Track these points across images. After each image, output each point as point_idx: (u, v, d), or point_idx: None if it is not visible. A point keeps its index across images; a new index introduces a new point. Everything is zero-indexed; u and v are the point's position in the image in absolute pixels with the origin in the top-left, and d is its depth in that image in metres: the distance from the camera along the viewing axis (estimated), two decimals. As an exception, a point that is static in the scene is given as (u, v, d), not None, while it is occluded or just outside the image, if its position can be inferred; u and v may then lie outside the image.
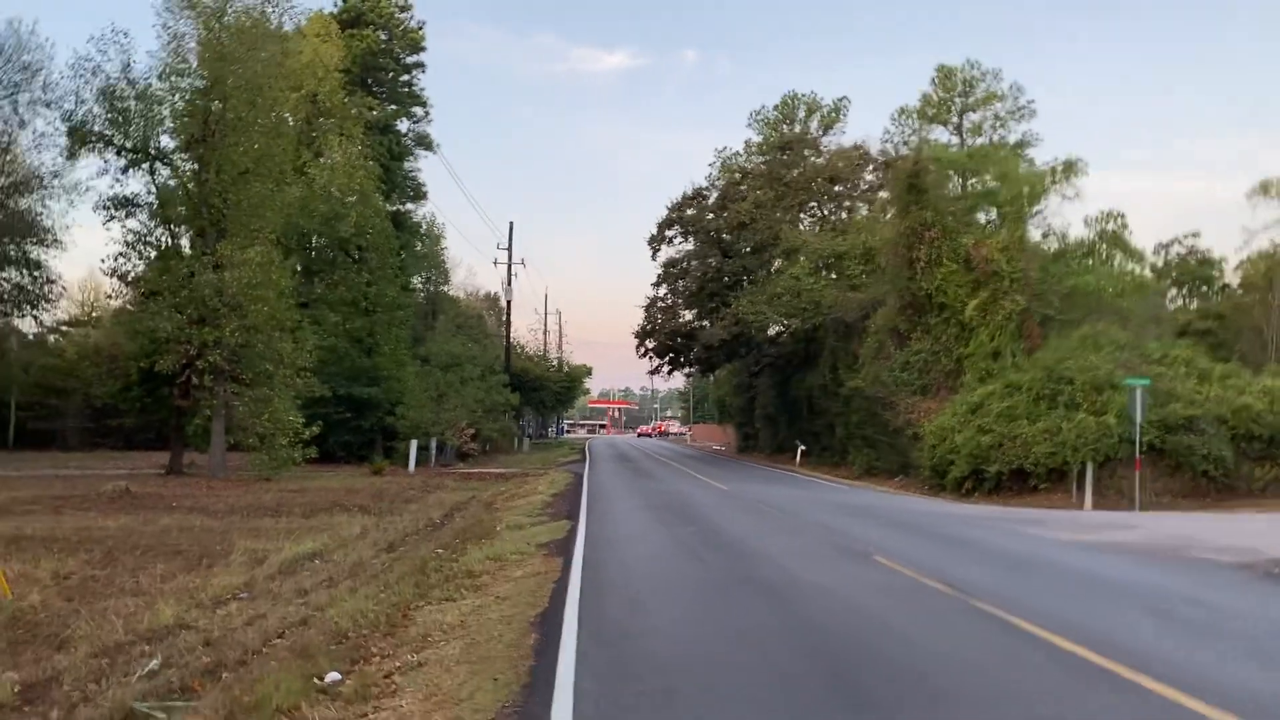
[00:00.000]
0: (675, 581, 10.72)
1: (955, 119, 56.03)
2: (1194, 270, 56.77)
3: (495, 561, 12.12)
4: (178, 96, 30.74)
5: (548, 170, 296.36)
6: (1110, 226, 33.66)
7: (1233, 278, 49.02)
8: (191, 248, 31.82)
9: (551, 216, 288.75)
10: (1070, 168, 34.35)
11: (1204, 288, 57.48)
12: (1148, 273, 33.48)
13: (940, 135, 50.26)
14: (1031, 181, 33.11)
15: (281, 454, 29.22)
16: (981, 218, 34.48)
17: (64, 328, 56.04)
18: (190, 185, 30.67)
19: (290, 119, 40.81)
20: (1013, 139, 48.93)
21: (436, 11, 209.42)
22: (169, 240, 32.10)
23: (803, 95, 56.30)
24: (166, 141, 31.60)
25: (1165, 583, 11.13)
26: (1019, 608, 8.80)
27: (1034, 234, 34.16)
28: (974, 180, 38.54)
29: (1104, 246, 33.48)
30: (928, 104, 56.29)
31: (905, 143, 52.65)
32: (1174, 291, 60.32)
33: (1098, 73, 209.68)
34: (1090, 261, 33.52)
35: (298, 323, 31.99)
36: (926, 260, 32.71)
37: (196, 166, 30.55)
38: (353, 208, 39.30)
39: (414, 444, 35.21)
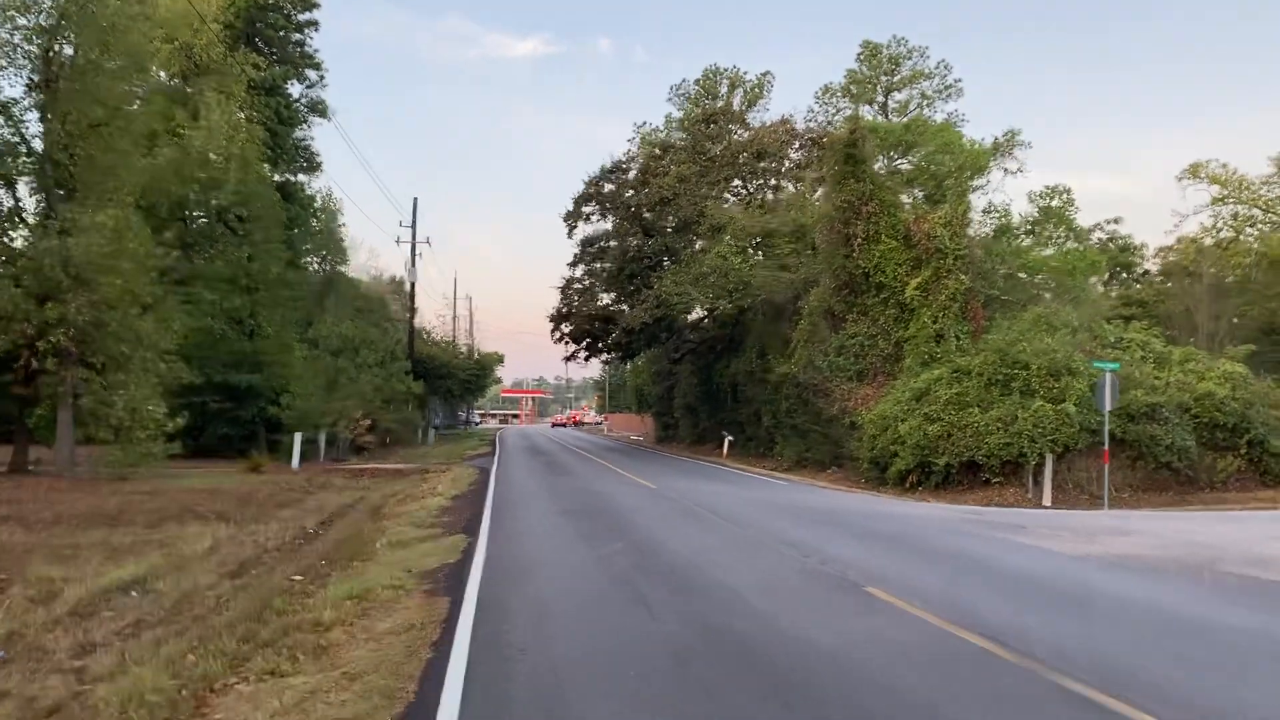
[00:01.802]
0: (610, 646, 7.39)
1: (881, 98, 54.25)
2: (1116, 257, 56.00)
3: (358, 603, 8.95)
4: (18, 36, 26.38)
5: (460, 158, 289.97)
6: (1055, 202, 31.70)
7: (1153, 264, 48.08)
8: (36, 212, 27.54)
9: (465, 205, 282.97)
10: (1012, 139, 32.35)
11: (1124, 274, 56.89)
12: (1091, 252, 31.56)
13: (865, 115, 48.27)
14: (975, 155, 30.93)
15: (139, 449, 25.27)
16: (919, 193, 32.19)
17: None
18: (32, 139, 26.36)
19: (162, 75, 36.59)
20: (939, 118, 47.22)
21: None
22: (11, 202, 27.68)
23: (725, 69, 53.79)
24: (10, 90, 27.29)
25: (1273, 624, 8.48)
26: (1131, 687, 6.05)
27: (975, 210, 31.99)
28: (909, 156, 36.44)
29: (1050, 224, 31.50)
30: (853, 81, 54.41)
31: (830, 122, 50.64)
32: (1093, 279, 59.82)
33: (1024, 53, 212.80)
34: (1033, 239, 31.52)
35: (159, 298, 27.89)
36: (864, 236, 30.30)
37: (39, 116, 26.24)
38: (232, 174, 35.14)
39: (298, 437, 31.44)
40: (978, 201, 31.64)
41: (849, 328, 30.77)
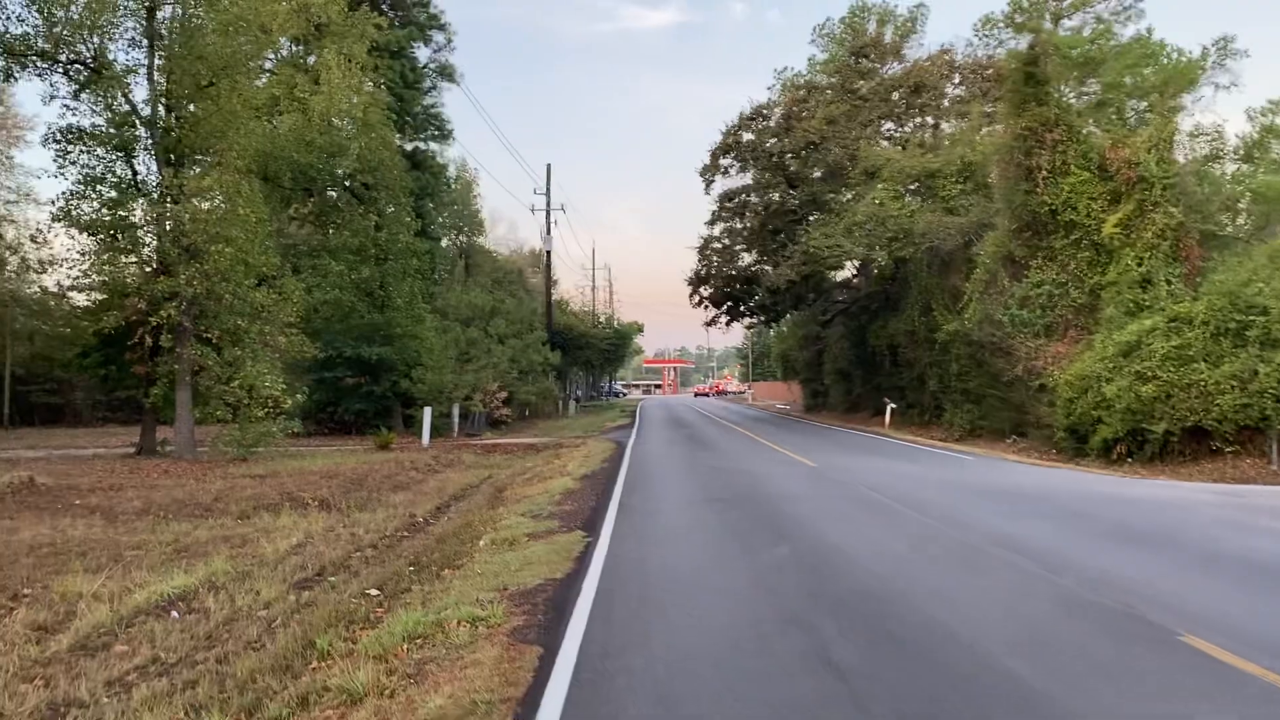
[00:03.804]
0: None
1: (1049, 25, 48.75)
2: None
3: (419, 647, 6.35)
4: (126, -1, 25.17)
5: (594, 133, 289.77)
6: (1279, 120, 26.59)
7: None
8: (156, 186, 26.49)
9: (601, 180, 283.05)
10: (1225, 48, 27.35)
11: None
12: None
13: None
14: (1182, 68, 26.17)
15: (257, 428, 23.85)
16: (1114, 116, 27.62)
17: (72, 292, 51.60)
18: (140, 105, 25.13)
19: (282, 40, 35.24)
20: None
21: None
22: (130, 174, 26.67)
23: (873, 4, 49.27)
24: (123, 57, 26.12)
25: None
26: None
27: (1180, 134, 27.20)
28: (1095, 76, 31.66)
29: (1274, 144, 26.46)
30: (1017, 9, 48.98)
31: (990, 56, 45.65)
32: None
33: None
34: (1254, 165, 26.58)
35: (278, 268, 26.41)
36: (1049, 169, 26.12)
37: (149, 81, 24.98)
38: (355, 140, 33.56)
39: (428, 412, 29.65)
40: (1183, 124, 26.81)
41: (1033, 275, 26.69)
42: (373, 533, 13.65)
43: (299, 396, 25.43)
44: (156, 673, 6.94)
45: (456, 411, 33.42)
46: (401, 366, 33.24)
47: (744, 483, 17.50)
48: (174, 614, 8.73)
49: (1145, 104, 27.25)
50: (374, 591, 9.29)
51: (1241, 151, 26.78)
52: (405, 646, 6.41)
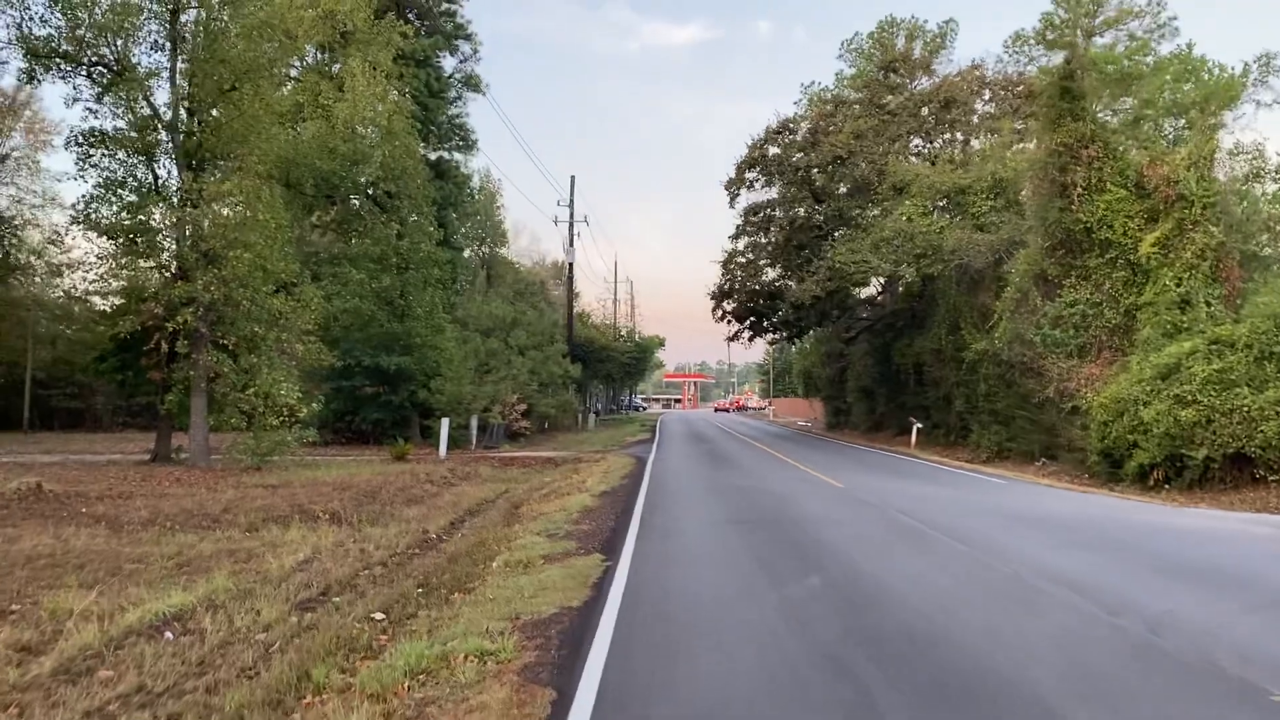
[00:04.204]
0: None
1: (1081, 42, 48.09)
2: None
3: (421, 685, 5.83)
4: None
5: (619, 148, 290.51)
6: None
7: None
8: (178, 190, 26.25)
9: (626, 195, 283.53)
10: (1268, 64, 26.62)
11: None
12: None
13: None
14: (1224, 84, 25.46)
15: (271, 436, 23.47)
16: (1152, 130, 26.93)
17: (93, 296, 51.58)
18: (162, 108, 24.90)
19: (307, 47, 35.07)
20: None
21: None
22: (151, 178, 26.44)
23: (902, 20, 48.68)
24: (146, 60, 25.94)
25: None
26: None
27: (1220, 151, 26.46)
28: (1130, 93, 31.02)
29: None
30: (1049, 26, 48.38)
31: (1021, 73, 45.04)
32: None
33: None
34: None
35: (297, 275, 26.07)
36: (1084, 185, 25.44)
37: (171, 85, 24.76)
38: (379, 146, 33.32)
39: (445, 423, 29.22)
40: (1223, 141, 26.09)
41: (1066, 294, 25.99)
42: (383, 549, 13.18)
43: (315, 405, 25.06)
44: (140, 703, 6.44)
45: (474, 423, 32.99)
46: (420, 377, 32.87)
47: (769, 503, 16.86)
48: (168, 635, 8.26)
49: (1183, 121, 26.55)
50: (379, 615, 8.79)
51: (1282, 171, 26.01)
52: (406, 684, 5.89)
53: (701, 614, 7.83)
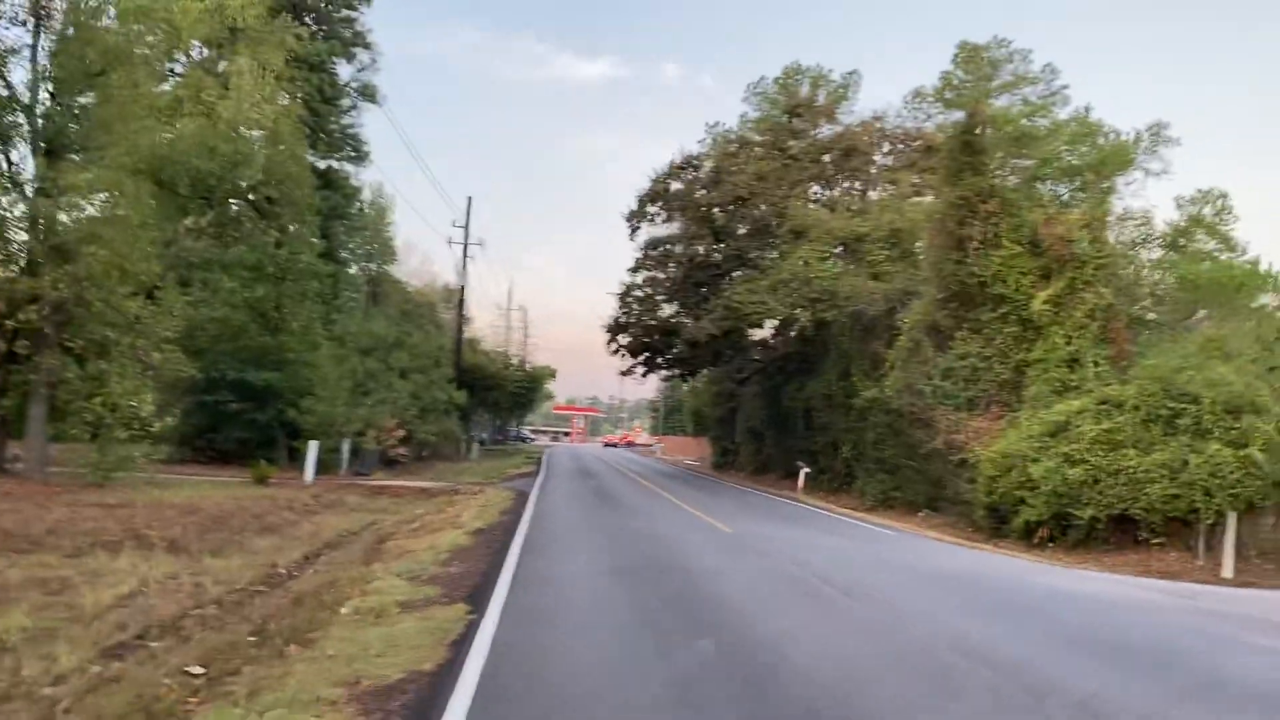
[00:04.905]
0: None
1: (971, 109, 49.44)
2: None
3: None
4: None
5: (524, 176, 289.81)
6: (1206, 210, 26.61)
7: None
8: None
9: (529, 227, 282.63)
10: (1157, 133, 27.41)
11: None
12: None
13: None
14: (1118, 148, 26.04)
15: (117, 450, 21.44)
16: (1047, 190, 27.38)
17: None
18: (21, 89, 22.81)
19: (188, 38, 32.99)
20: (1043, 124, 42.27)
21: (418, 12, 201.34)
22: (5, 164, 24.17)
23: (807, 68, 49.16)
24: (6, 35, 23.76)
25: None
26: None
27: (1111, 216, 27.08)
28: (1025, 152, 31.61)
29: (1201, 234, 26.44)
30: (948, 85, 49.58)
31: (919, 129, 45.95)
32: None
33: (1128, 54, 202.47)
34: (1181, 252, 26.52)
35: (159, 278, 24.13)
36: (981, 240, 25.59)
37: (32, 64, 22.72)
38: (261, 150, 31.52)
39: (313, 446, 27.44)
40: (1115, 206, 26.72)
41: (958, 346, 26.00)
42: (221, 585, 11.71)
43: (170, 419, 23.08)
44: None
45: (347, 447, 31.16)
46: (291, 395, 30.90)
47: (656, 550, 15.79)
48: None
49: (1077, 182, 27.05)
50: (197, 670, 7.45)
51: (1169, 239, 26.66)
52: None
53: (577, 689, 6.74)
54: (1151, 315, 25.24)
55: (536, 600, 10.06)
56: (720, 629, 8.95)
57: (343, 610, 9.19)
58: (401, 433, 35.01)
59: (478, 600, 9.62)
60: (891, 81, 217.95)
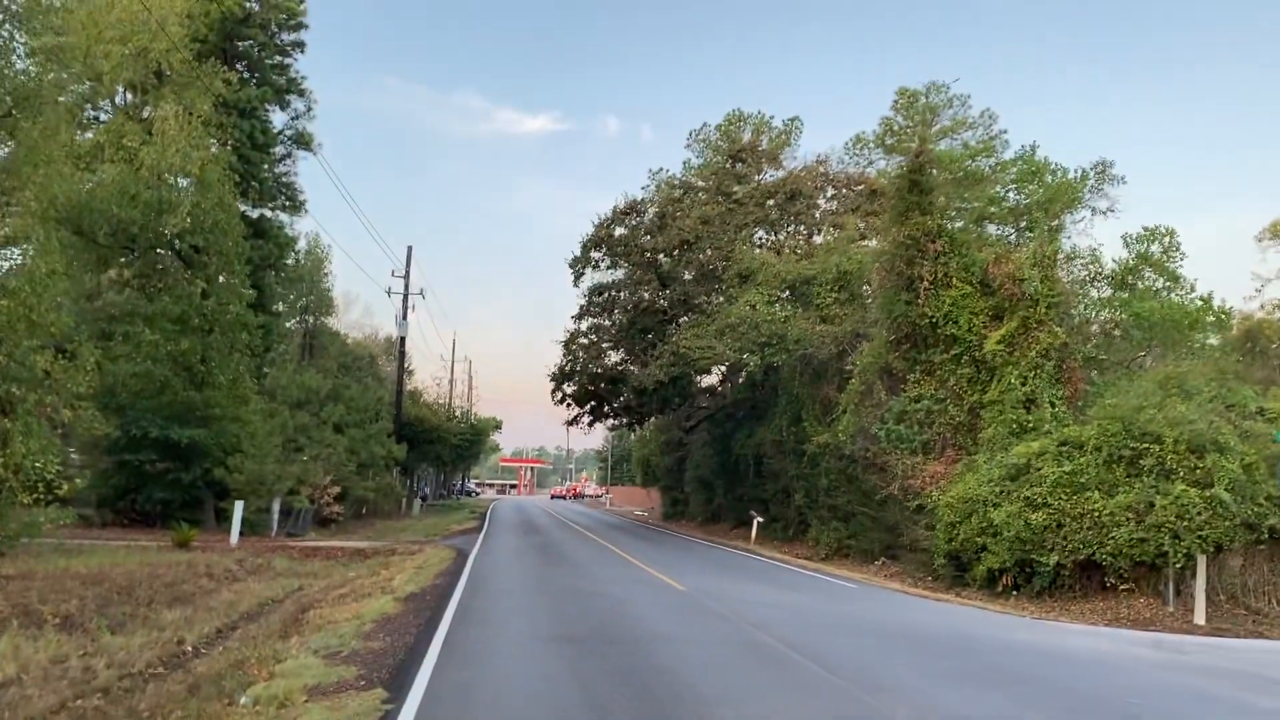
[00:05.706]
0: None
1: (925, 144, 49.78)
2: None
3: None
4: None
5: (466, 230, 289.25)
6: (1154, 248, 26.48)
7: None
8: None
9: (471, 280, 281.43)
10: (1104, 172, 27.34)
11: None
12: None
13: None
14: (1065, 186, 25.86)
15: (19, 516, 19.77)
16: (995, 231, 27.11)
17: None
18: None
19: (111, 82, 31.68)
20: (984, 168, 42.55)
21: (358, 68, 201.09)
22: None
23: (749, 115, 49.13)
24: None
25: None
26: None
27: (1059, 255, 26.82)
28: (970, 193, 31.47)
29: (1148, 272, 26.26)
30: (888, 130, 49.93)
31: (863, 173, 46.03)
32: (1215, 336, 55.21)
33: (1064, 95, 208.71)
34: (1130, 290, 26.31)
35: (71, 330, 22.64)
36: (930, 280, 25.12)
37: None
38: (187, 197, 30.18)
39: (239, 506, 25.89)
40: (1063, 244, 26.48)
41: (911, 389, 25.38)
42: (115, 668, 10.42)
43: (79, 481, 21.47)
44: None
45: (277, 506, 29.56)
46: (217, 452, 29.28)
47: (604, 613, 14.53)
48: None
49: (1024, 222, 26.81)
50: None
51: (1118, 277, 26.43)
52: None
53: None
54: (1103, 355, 24.83)
55: (466, 680, 8.83)
56: (677, 713, 7.82)
57: (241, 701, 7.96)
58: (337, 490, 33.45)
59: (398, 683, 8.42)
60: (835, 126, 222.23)
